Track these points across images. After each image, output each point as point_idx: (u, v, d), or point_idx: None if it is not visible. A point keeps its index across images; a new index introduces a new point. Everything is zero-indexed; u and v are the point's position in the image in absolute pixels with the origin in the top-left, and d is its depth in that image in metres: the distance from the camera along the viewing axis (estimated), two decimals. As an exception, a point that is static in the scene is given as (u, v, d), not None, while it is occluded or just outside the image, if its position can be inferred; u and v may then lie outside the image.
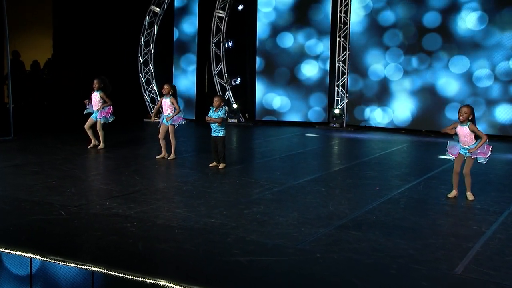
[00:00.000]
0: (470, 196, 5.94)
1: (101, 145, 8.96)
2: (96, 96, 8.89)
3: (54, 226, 4.64)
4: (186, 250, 4.15)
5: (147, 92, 14.55)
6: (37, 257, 3.83)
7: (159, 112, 9.22)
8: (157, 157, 8.23)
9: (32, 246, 4.06)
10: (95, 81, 8.85)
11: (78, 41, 14.52)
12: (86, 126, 9.00)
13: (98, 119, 8.86)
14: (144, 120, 14.13)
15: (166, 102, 8.14)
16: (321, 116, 13.66)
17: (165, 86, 8.16)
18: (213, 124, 7.50)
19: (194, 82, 14.14)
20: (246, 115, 14.32)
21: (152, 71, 14.41)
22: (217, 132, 7.53)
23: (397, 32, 12.51)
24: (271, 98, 13.81)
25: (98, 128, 8.90)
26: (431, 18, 12.14)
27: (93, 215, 5.01)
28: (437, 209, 5.56)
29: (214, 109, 7.48)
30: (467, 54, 11.82)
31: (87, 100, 9.01)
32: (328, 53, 13.40)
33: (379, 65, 12.79)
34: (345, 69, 13.25)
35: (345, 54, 13.19)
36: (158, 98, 14.28)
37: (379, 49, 12.76)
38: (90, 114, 9.05)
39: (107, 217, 4.96)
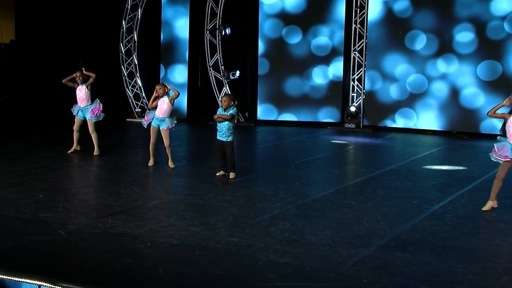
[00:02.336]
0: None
1: (96, 151, 9.05)
2: (82, 90, 8.95)
3: (56, 248, 4.73)
4: (215, 275, 4.27)
5: (129, 87, 14.62)
6: (47, 284, 3.93)
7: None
8: (149, 164, 8.37)
9: (37, 271, 4.14)
10: (77, 74, 8.90)
11: (47, 25, 14.42)
12: (76, 127, 9.08)
13: (89, 118, 8.93)
14: (127, 120, 14.20)
15: (164, 102, 8.21)
16: (334, 115, 13.86)
17: (157, 88, 8.23)
18: (222, 127, 7.61)
19: (185, 75, 14.24)
20: (246, 114, 14.46)
21: (136, 62, 14.49)
22: (225, 136, 7.64)
23: (422, 21, 12.76)
24: (275, 94, 13.98)
25: (90, 130, 8.97)
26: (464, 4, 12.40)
27: (98, 234, 5.11)
28: (490, 226, 5.76)
29: (223, 110, 7.60)
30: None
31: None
32: (343, 42, 13.61)
33: (401, 56, 13.02)
34: (361, 61, 13.47)
35: (362, 43, 13.40)
36: (143, 95, 14.37)
37: (401, 37, 12.98)
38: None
39: (114, 237, 5.06)
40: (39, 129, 12.25)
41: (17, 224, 5.31)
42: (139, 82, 14.51)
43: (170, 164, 8.32)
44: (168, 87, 8.32)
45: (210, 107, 14.51)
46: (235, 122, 7.78)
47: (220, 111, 7.62)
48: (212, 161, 8.95)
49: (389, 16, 13.06)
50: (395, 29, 12.99)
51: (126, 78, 14.56)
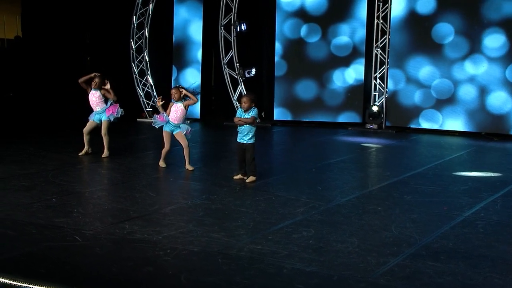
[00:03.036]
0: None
1: (105, 153, 9.16)
2: (95, 95, 9.07)
3: (73, 255, 4.80)
4: (240, 284, 4.31)
5: (140, 86, 14.72)
6: (67, 293, 3.99)
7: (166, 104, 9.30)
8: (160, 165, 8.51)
9: (55, 279, 4.22)
10: (96, 80, 9.01)
11: (54, 21, 14.55)
12: (86, 130, 9.20)
13: (105, 119, 9.03)
14: (138, 120, 14.31)
15: (179, 109, 8.27)
16: (354, 116, 13.86)
17: (173, 92, 8.30)
18: (243, 129, 7.66)
19: (198, 73, 14.32)
20: (262, 114, 14.50)
21: (147, 59, 14.59)
22: (246, 137, 7.69)
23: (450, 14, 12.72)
24: (292, 93, 14.01)
25: (103, 133, 9.10)
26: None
27: (115, 241, 5.17)
28: (527, 234, 5.74)
29: (243, 111, 7.64)
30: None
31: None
32: (364, 39, 13.60)
33: (426, 53, 12.98)
34: (384, 58, 13.45)
35: (385, 39, 13.39)
36: (155, 93, 14.47)
37: (426, 34, 12.94)
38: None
39: (132, 243, 5.12)
40: (46, 129, 12.40)
41: (32, 229, 5.40)
42: (150, 80, 14.61)
43: (188, 166, 8.39)
44: (184, 91, 8.33)
45: (224, 107, 14.69)
46: (256, 124, 7.81)
47: (240, 113, 7.66)
48: (228, 164, 9.01)
49: (413, 12, 13.02)
50: (420, 25, 12.95)
51: (137, 76, 14.67)
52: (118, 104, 9.14)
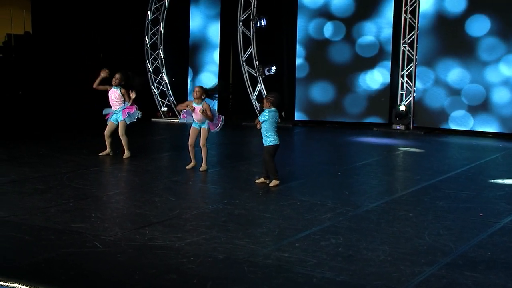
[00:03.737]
0: None
1: (126, 153, 9.31)
2: (115, 93, 9.17)
3: (94, 262, 4.87)
4: (268, 294, 4.35)
5: (155, 84, 14.83)
6: (89, 301, 4.06)
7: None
8: (187, 167, 8.62)
9: (76, 286, 4.29)
10: (117, 76, 9.12)
11: (65, 16, 14.74)
12: (107, 132, 9.34)
13: (121, 120, 9.14)
14: (152, 120, 14.42)
15: (197, 111, 8.36)
16: (380, 115, 13.82)
17: (196, 89, 8.42)
18: (262, 129, 7.75)
19: (215, 71, 14.40)
20: (283, 114, 14.50)
21: (162, 56, 14.68)
22: (274, 139, 7.77)
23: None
24: (314, 92, 14.01)
25: (120, 134, 9.24)
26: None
27: (137, 247, 5.24)
28: None
29: (267, 111, 7.72)
30: None
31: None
32: (391, 34, 13.56)
33: (456, 50, 12.91)
34: (412, 55, 13.40)
35: (413, 35, 13.34)
36: (170, 92, 14.57)
37: (457, 29, 12.87)
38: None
39: (154, 250, 5.18)
40: (58, 129, 12.56)
41: (50, 235, 5.48)
42: (165, 78, 14.71)
43: (203, 166, 8.51)
44: (205, 94, 8.42)
45: (242, 106, 14.75)
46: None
47: (266, 113, 7.73)
48: (248, 167, 9.07)
49: (443, 8, 12.94)
50: (450, 20, 12.87)
51: (152, 74, 14.78)
52: (136, 106, 9.23)
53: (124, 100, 9.20)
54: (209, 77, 14.33)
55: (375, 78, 13.72)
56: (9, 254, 4.99)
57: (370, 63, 13.68)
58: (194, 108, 8.29)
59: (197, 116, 8.39)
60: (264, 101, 7.85)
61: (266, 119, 7.70)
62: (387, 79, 13.68)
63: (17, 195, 6.96)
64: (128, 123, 9.21)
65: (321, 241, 5.57)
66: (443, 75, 13.03)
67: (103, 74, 9.20)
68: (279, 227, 6.01)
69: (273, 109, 7.75)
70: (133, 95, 9.11)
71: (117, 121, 9.24)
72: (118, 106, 9.19)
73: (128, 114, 9.13)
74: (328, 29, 13.79)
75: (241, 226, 5.97)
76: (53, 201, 6.68)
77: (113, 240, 5.41)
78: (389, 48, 13.60)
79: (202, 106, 8.34)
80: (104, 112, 9.42)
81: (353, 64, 13.75)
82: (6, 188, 7.34)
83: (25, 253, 5.00)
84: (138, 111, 9.25)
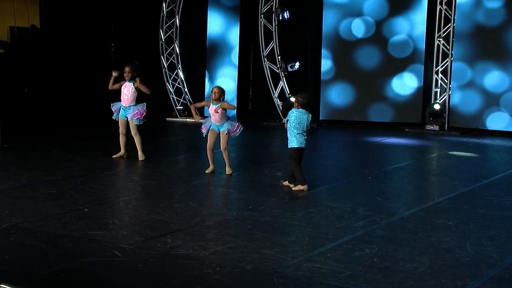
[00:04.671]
0: None
1: (140, 156, 9.42)
2: (129, 88, 9.27)
3: (115, 272, 4.94)
4: (300, 308, 4.38)
5: (170, 81, 14.92)
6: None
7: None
8: (206, 171, 8.71)
9: (98, 298, 4.36)
10: (127, 69, 9.22)
11: (74, 8, 14.83)
12: (122, 130, 9.44)
13: (130, 119, 9.27)
14: (167, 119, 14.51)
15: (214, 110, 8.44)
16: (412, 115, 13.78)
17: (215, 90, 8.51)
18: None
19: (235, 66, 14.45)
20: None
21: (178, 52, 14.77)
22: (291, 142, 7.81)
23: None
24: (341, 90, 14.01)
25: (133, 133, 9.35)
26: None
27: (158, 256, 5.29)
28: None
29: (292, 111, 7.77)
30: None
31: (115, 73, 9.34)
32: (424, 27, 13.51)
33: (495, 47, 12.82)
34: (447, 50, 13.34)
35: (449, 28, 13.27)
36: (186, 90, 14.66)
37: (497, 19, 12.77)
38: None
39: (177, 259, 5.24)
40: (67, 128, 12.70)
41: (67, 243, 5.56)
42: (181, 75, 14.80)
43: (227, 170, 8.56)
44: (223, 95, 8.52)
45: (263, 105, 14.79)
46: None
47: (290, 113, 7.78)
48: (272, 170, 9.11)
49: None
50: (489, 13, 12.79)
51: (166, 70, 14.87)
52: (145, 111, 9.32)
53: (136, 98, 9.28)
54: (228, 72, 14.38)
55: (406, 82, 13.65)
56: (26, 263, 5.08)
57: (401, 64, 13.62)
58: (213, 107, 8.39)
59: (215, 117, 8.44)
60: (294, 100, 7.96)
61: (289, 118, 7.77)
62: (418, 82, 13.58)
63: (30, 201, 7.07)
64: (137, 123, 9.32)
65: (355, 251, 5.59)
66: (481, 72, 12.93)
67: (115, 74, 9.36)
68: (309, 235, 6.03)
69: (300, 110, 7.78)
70: (137, 82, 9.19)
71: (126, 117, 9.34)
72: (128, 103, 9.27)
73: (138, 118, 9.25)
74: (357, 27, 13.76)
75: (268, 235, 6.01)
76: (67, 207, 6.77)
77: (133, 248, 5.47)
78: (423, 46, 13.50)
79: (220, 105, 8.39)
80: (112, 106, 9.50)
81: (384, 66, 13.70)
82: (18, 192, 7.45)
83: (42, 262, 5.08)
84: (144, 119, 9.37)
